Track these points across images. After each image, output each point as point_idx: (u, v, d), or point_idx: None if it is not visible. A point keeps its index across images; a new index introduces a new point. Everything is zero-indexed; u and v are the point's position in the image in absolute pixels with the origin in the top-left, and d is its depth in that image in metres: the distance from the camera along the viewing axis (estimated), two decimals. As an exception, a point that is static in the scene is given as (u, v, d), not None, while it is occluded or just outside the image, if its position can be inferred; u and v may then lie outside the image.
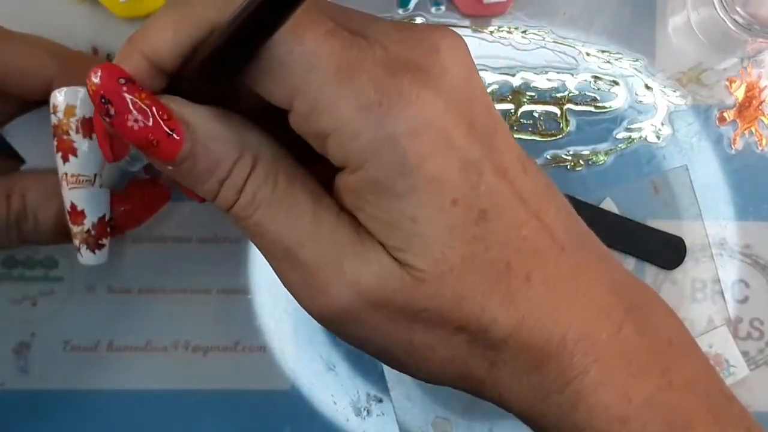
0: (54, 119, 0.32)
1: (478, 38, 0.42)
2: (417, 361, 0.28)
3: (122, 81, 0.26)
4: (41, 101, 0.34)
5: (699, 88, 0.43)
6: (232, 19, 0.24)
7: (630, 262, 0.42)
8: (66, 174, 0.33)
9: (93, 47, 0.42)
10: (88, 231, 0.33)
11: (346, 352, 0.42)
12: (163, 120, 0.26)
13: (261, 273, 0.42)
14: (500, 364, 0.27)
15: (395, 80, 0.25)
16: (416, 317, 0.26)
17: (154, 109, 0.25)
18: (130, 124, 0.25)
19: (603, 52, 0.43)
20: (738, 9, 0.39)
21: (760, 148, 0.42)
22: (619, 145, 0.42)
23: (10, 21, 0.36)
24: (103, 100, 0.25)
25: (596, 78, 0.43)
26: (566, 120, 0.42)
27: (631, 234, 0.42)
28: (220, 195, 0.27)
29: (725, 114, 0.43)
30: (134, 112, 0.25)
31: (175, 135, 0.26)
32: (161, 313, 0.42)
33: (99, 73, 0.25)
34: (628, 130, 0.42)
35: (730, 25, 0.39)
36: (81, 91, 0.32)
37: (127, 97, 0.25)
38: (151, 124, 0.25)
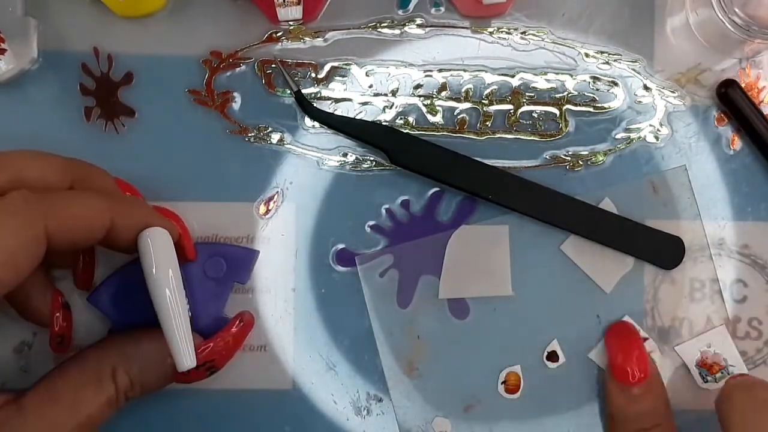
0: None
1: (478, 39, 0.42)
2: None
3: None
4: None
5: (698, 88, 0.43)
6: None
7: (629, 262, 0.42)
8: None
9: (93, 47, 0.42)
10: None
11: (346, 352, 0.42)
12: None
13: (262, 273, 0.42)
14: None
15: None
16: None
17: None
18: None
19: (602, 53, 0.43)
20: (736, 10, 0.39)
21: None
22: (618, 146, 0.43)
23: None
24: None
25: (595, 79, 0.43)
26: (565, 120, 0.43)
27: (629, 234, 0.42)
28: None
29: (724, 114, 0.43)
30: None
31: None
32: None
33: None
34: (626, 130, 0.43)
35: (729, 26, 0.39)
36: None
37: None
38: None
